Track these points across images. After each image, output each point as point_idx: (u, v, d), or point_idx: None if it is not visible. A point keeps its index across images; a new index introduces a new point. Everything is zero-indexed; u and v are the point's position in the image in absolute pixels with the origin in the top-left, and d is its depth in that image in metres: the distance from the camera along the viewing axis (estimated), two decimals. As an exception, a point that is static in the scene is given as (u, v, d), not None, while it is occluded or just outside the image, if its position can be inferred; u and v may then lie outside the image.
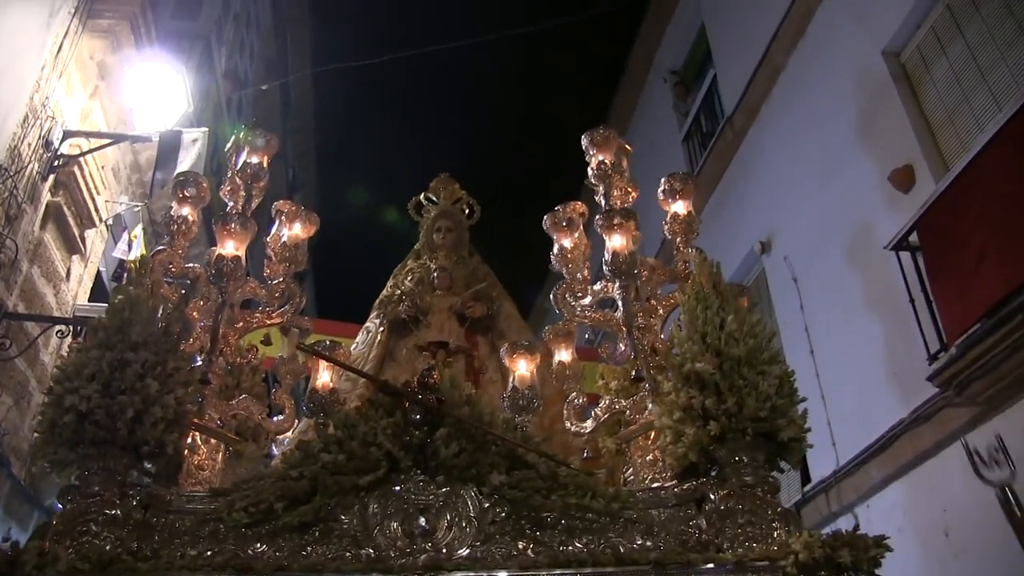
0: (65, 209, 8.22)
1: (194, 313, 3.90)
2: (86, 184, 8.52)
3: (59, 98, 7.96)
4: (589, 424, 3.93)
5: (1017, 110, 5.64)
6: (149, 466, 3.45)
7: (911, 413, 6.61)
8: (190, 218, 4.06)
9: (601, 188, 4.29)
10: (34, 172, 7.49)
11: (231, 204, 4.16)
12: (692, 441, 3.34)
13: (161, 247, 3.96)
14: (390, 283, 5.50)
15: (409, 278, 5.38)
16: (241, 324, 4.02)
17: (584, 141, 4.46)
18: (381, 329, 5.17)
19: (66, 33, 7.84)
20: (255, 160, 4.24)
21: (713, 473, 3.40)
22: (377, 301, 5.42)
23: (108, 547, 3.15)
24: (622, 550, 3.17)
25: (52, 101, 7.81)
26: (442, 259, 5.41)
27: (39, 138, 7.53)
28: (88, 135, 8.52)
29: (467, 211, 5.70)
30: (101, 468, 3.27)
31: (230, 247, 3.87)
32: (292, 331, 4.10)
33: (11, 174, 7.00)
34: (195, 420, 3.64)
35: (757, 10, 10.48)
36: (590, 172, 4.38)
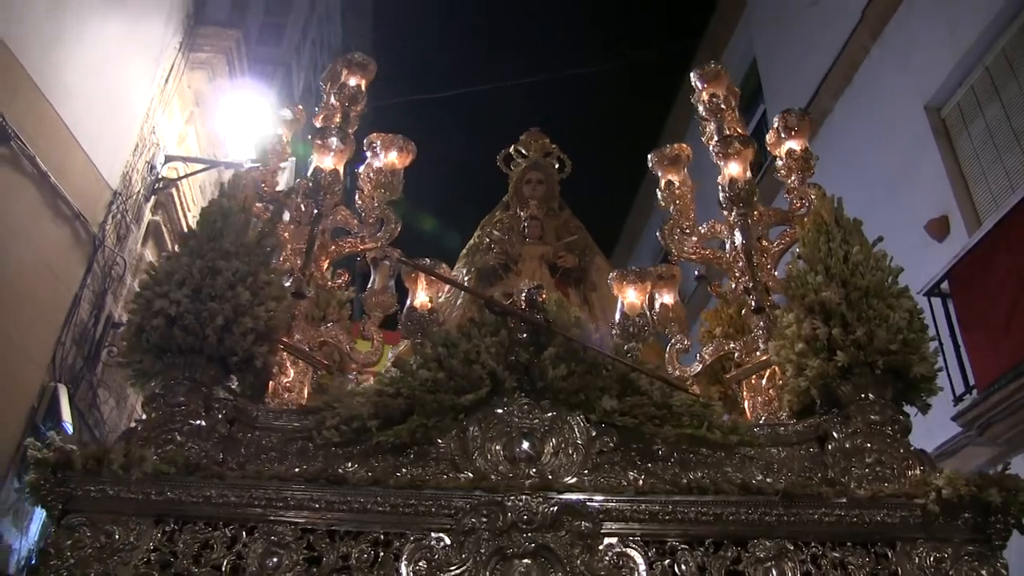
0: (163, 227, 8.84)
1: (285, 234, 3.74)
2: (181, 203, 9.14)
3: (161, 124, 8.57)
4: (695, 367, 3.71)
5: None
6: (235, 384, 3.28)
7: (935, 449, 6.82)
8: (284, 138, 3.94)
9: (712, 123, 4.11)
10: (139, 194, 8.11)
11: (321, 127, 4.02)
12: (815, 374, 3.10)
13: (255, 164, 3.83)
14: (477, 233, 5.34)
15: (498, 227, 5.21)
16: (333, 248, 3.86)
17: (693, 77, 4.30)
18: (468, 277, 4.99)
19: (172, 67, 8.52)
20: (353, 82, 4.10)
21: (833, 411, 3.15)
22: (464, 250, 5.26)
23: (192, 456, 2.97)
24: (742, 480, 2.93)
25: (158, 128, 8.46)
26: (533, 209, 5.23)
27: (145, 163, 8.16)
28: (187, 160, 9.10)
29: (558, 165, 5.52)
30: (187, 378, 3.09)
31: (328, 162, 3.71)
32: (383, 263, 3.93)
33: (124, 199, 7.64)
34: (285, 340, 3.47)
35: (807, 52, 10.97)
36: (700, 108, 4.21)
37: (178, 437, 3.01)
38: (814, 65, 10.44)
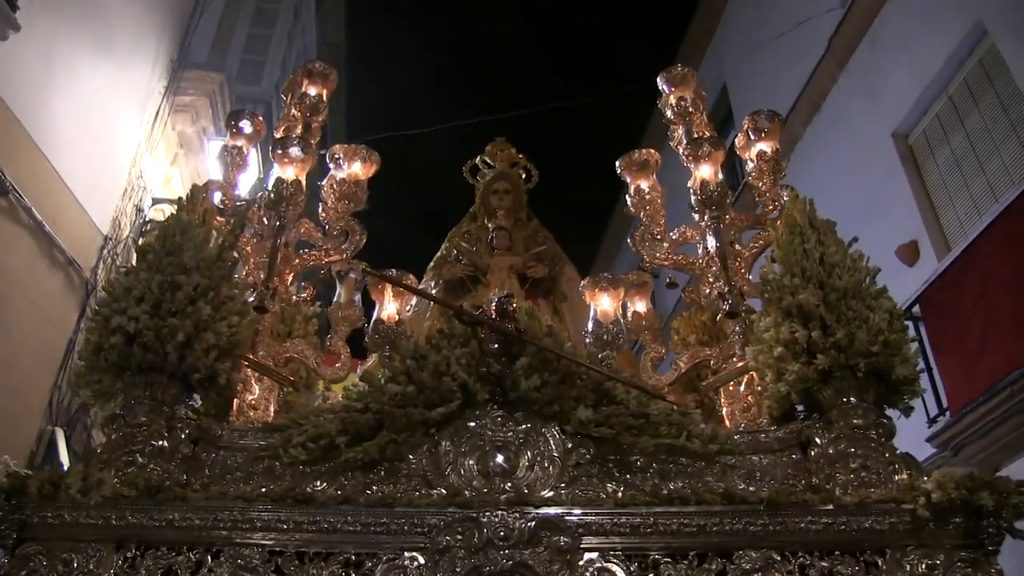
0: (151, 268, 9.14)
1: (247, 248, 3.62)
2: (168, 245, 9.33)
3: (147, 167, 8.85)
4: (670, 376, 3.63)
5: (1008, 205, 6.54)
6: (198, 403, 3.16)
7: (911, 471, 7.17)
8: (244, 150, 3.82)
9: (681, 127, 4.05)
10: (129, 237, 8.32)
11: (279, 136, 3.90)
12: (796, 379, 3.02)
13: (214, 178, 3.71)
14: (445, 244, 5.22)
15: (466, 239, 5.10)
16: (297, 261, 3.73)
17: (660, 81, 4.25)
18: (436, 290, 4.87)
19: (157, 112, 8.90)
20: (313, 92, 3.99)
21: (815, 416, 3.07)
22: (431, 263, 5.14)
23: (155, 478, 2.84)
24: (725, 489, 2.84)
25: (144, 172, 8.76)
26: (501, 219, 5.13)
27: (133, 206, 8.43)
28: (172, 202, 9.11)
29: (525, 175, 5.43)
30: (148, 397, 2.97)
31: (290, 172, 3.60)
32: (348, 276, 3.82)
33: (114, 243, 7.91)
34: (250, 357, 3.35)
35: (777, 80, 11.24)
36: (668, 112, 4.15)
37: (139, 459, 2.88)
38: (784, 93, 10.62)
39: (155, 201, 8.83)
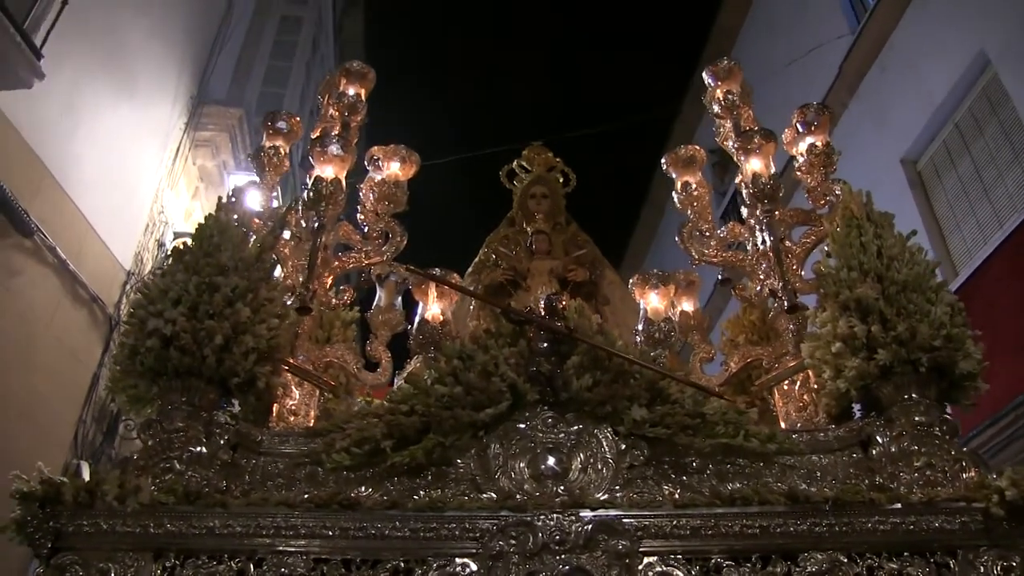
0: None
1: (285, 251, 3.54)
2: (190, 277, 9.67)
3: (169, 202, 9.10)
4: (720, 377, 3.51)
5: (1010, 234, 6.76)
6: (237, 407, 3.06)
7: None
8: (282, 151, 3.74)
9: (728, 121, 3.96)
10: (151, 272, 8.37)
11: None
12: (855, 375, 2.91)
13: (252, 180, 3.64)
14: (483, 250, 5.11)
15: (504, 244, 5.01)
16: (336, 264, 3.64)
17: (705, 75, 4.18)
18: (476, 296, 4.77)
19: (178, 148, 9.17)
20: (352, 92, 3.92)
21: (874, 414, 2.95)
22: (470, 268, 5.04)
23: (193, 485, 2.75)
24: (788, 489, 2.72)
25: (166, 207, 9.02)
26: (540, 223, 5.04)
27: (155, 241, 8.65)
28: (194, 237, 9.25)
29: (562, 179, 5.35)
30: (185, 403, 2.88)
31: (329, 171, 3.52)
32: (389, 280, 3.73)
33: (137, 278, 8.07)
34: (290, 361, 3.26)
35: (788, 106, 10.63)
36: (716, 107, 4.06)
37: (177, 465, 2.78)
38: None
39: (176, 235, 8.93)
